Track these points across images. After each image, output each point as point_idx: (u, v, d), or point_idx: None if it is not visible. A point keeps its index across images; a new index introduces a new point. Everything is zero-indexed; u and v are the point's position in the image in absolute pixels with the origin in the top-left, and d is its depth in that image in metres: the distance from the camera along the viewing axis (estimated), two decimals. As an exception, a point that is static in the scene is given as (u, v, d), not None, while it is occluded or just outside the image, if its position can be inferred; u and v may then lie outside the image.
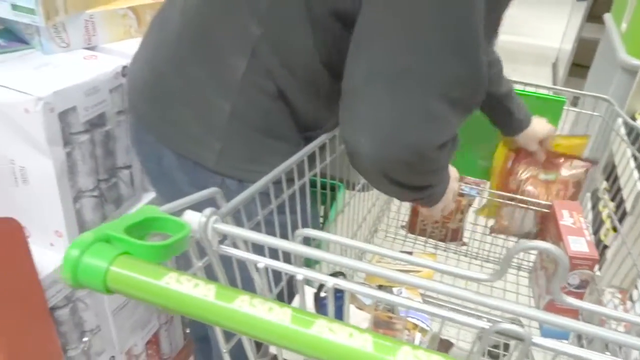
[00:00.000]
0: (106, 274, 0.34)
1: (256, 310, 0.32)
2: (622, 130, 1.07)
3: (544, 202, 1.03)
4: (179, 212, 0.41)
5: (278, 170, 0.60)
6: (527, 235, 1.11)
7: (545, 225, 1.02)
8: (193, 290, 0.33)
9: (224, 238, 0.41)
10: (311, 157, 0.69)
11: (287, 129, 0.69)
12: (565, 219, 0.93)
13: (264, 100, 0.65)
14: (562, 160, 1.08)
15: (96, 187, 0.91)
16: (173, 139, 0.71)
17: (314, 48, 0.62)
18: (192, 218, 0.41)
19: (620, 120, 1.05)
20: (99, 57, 0.90)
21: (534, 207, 1.04)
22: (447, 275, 0.55)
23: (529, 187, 1.08)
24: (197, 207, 0.43)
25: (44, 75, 0.82)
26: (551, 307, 0.90)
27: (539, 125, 1.04)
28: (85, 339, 0.96)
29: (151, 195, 1.06)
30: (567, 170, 1.07)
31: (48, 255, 0.88)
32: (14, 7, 0.83)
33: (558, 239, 0.91)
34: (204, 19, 0.66)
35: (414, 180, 0.63)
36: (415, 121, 0.53)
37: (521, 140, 1.04)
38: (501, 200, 1.08)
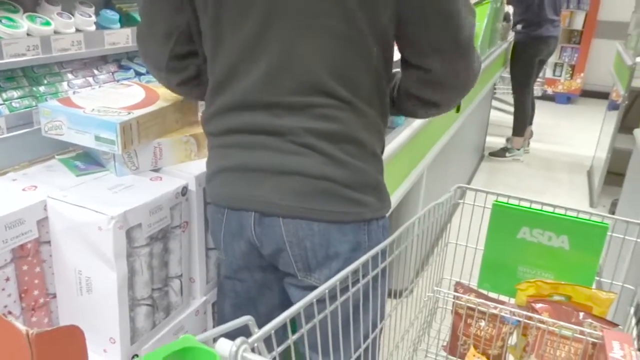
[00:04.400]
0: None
1: None
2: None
3: (595, 333, 0.98)
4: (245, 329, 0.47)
5: (346, 271, 0.67)
6: None
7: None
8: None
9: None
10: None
11: None
12: (616, 351, 0.88)
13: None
14: (582, 316, 1.02)
15: (150, 296, 0.99)
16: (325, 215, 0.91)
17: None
18: (224, 347, 0.45)
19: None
20: (163, 179, 1.02)
21: (583, 337, 0.98)
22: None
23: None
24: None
25: (116, 195, 0.94)
26: None
27: None
28: None
29: (198, 302, 1.12)
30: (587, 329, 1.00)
31: (101, 362, 0.93)
32: (97, 138, 0.97)
33: None
34: None
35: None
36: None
37: None
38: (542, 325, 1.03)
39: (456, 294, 1.16)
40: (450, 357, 1.20)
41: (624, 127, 3.28)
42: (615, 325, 1.03)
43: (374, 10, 0.86)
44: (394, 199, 1.80)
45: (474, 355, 1.10)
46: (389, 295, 1.08)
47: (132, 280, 0.93)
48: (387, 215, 1.03)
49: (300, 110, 0.89)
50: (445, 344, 1.21)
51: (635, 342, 1.11)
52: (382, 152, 1.03)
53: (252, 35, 0.89)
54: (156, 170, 1.07)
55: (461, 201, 1.22)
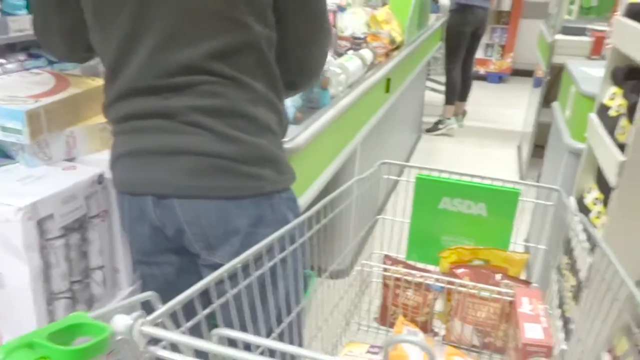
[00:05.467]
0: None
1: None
2: (574, 219, 1.12)
3: (510, 292, 1.03)
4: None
5: (257, 248, 0.67)
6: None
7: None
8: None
9: (157, 340, 0.46)
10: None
11: None
12: (524, 306, 0.95)
13: None
14: (499, 277, 1.08)
15: (69, 289, 0.96)
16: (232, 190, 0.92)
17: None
18: (120, 321, 0.44)
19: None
20: (77, 168, 0.99)
21: (500, 296, 1.04)
22: None
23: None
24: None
25: (26, 187, 0.90)
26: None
27: None
28: None
29: (124, 292, 1.10)
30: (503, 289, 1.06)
31: (20, 358, 0.90)
32: (3, 128, 0.92)
33: (516, 326, 0.93)
34: None
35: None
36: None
37: None
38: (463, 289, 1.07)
39: (384, 266, 1.20)
40: (381, 327, 1.24)
41: (547, 102, 3.46)
42: (529, 283, 1.10)
43: None
44: (325, 176, 1.82)
45: (402, 323, 1.14)
46: (319, 275, 1.10)
47: (48, 273, 0.90)
48: (291, 187, 1.04)
49: (184, 90, 0.90)
50: (376, 316, 1.26)
51: (556, 299, 1.19)
52: (282, 127, 1.04)
53: (132, 23, 0.89)
54: (70, 159, 1.04)
55: (386, 177, 1.26)
